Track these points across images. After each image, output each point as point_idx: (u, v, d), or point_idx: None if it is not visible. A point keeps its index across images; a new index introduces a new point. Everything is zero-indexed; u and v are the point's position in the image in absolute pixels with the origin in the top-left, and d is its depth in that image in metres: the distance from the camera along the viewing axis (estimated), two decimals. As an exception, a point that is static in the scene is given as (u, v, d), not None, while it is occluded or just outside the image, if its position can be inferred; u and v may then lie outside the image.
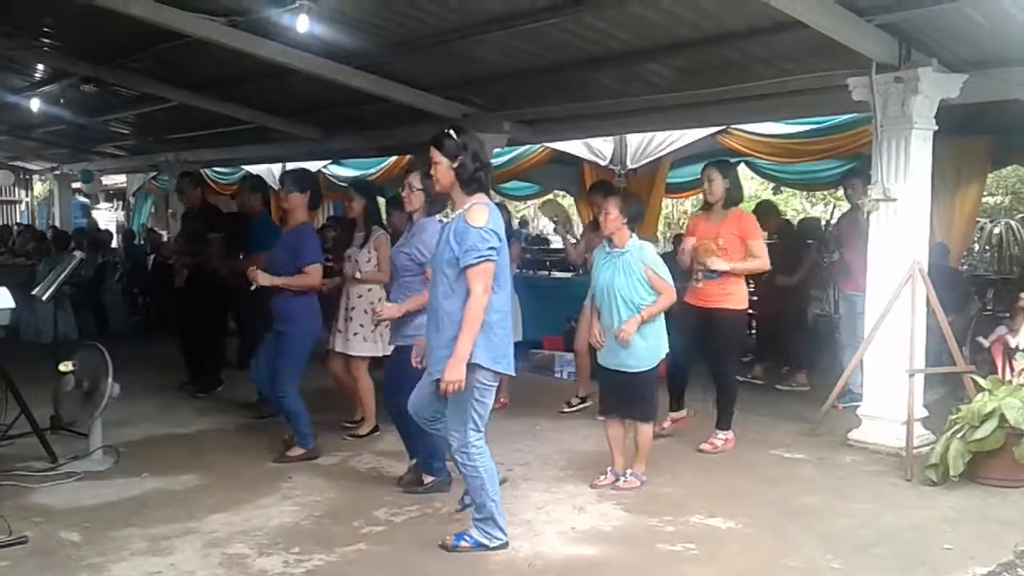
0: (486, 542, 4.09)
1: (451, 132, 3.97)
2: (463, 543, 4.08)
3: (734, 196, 5.75)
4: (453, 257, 3.86)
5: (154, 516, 4.57)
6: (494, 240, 3.87)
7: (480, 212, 3.88)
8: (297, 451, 5.56)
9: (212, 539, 4.27)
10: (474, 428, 3.99)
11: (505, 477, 4.84)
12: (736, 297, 5.66)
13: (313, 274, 5.43)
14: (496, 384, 4.05)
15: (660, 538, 4.32)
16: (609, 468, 5.10)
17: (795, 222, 10.65)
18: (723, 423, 5.85)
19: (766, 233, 6.55)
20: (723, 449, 5.76)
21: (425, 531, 4.36)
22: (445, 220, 4.05)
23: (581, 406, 6.83)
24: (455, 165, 3.91)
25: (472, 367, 3.86)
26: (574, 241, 7.14)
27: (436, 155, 3.96)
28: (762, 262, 5.66)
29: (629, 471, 5.02)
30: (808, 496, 4.95)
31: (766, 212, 8.30)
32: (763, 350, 8.34)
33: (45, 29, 8.99)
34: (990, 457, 4.97)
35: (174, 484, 5.14)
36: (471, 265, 3.81)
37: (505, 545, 4.12)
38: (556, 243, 13.54)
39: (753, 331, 8.58)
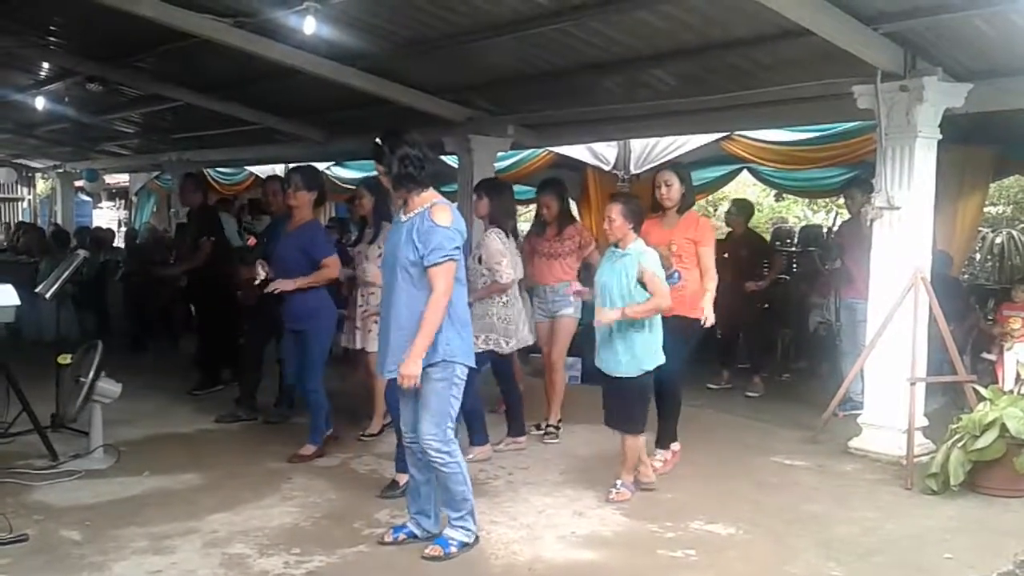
0: (468, 540, 4.11)
1: (377, 140, 4.03)
2: (452, 549, 4.06)
3: (689, 200, 5.50)
4: (417, 257, 3.89)
5: (155, 515, 4.58)
6: (459, 240, 3.96)
7: (444, 212, 3.95)
8: (310, 449, 5.60)
9: (213, 539, 4.28)
10: (450, 425, 4.03)
11: None
12: (692, 305, 5.23)
13: (333, 266, 5.55)
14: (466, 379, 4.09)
15: (660, 544, 4.32)
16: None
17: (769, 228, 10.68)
18: (663, 442, 5.51)
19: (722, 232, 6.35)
20: (663, 472, 5.32)
21: (426, 534, 4.36)
22: (403, 220, 4.03)
23: (549, 436, 6.19)
24: (385, 170, 3.99)
25: (451, 364, 3.94)
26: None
27: (377, 166, 4.07)
28: (708, 275, 5.27)
29: (619, 481, 4.97)
30: (809, 503, 4.95)
31: (739, 211, 8.41)
32: (729, 356, 8.30)
33: (51, 27, 9.02)
34: (990, 467, 4.97)
35: (175, 483, 5.14)
36: (436, 264, 3.86)
37: (478, 538, 4.17)
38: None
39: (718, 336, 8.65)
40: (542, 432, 6.28)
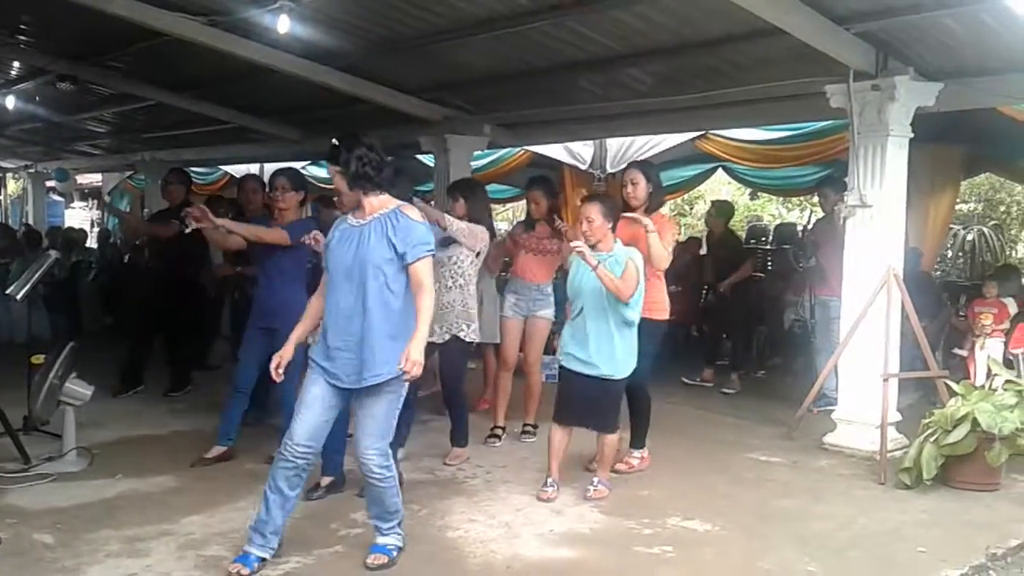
0: (401, 545, 4.09)
1: (334, 141, 3.97)
2: (395, 554, 4.04)
3: (657, 199, 5.37)
4: (394, 254, 3.81)
5: (129, 518, 4.53)
6: (433, 237, 3.98)
7: (416, 211, 3.97)
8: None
9: (188, 541, 4.24)
10: (390, 439, 3.98)
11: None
12: (656, 307, 5.22)
13: (277, 232, 5.19)
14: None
15: (637, 540, 4.34)
16: (549, 479, 4.94)
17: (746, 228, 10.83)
18: (638, 441, 5.50)
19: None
20: (639, 469, 5.43)
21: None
22: (362, 222, 3.90)
23: (526, 436, 6.15)
24: (342, 170, 3.91)
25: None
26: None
27: (330, 168, 4.00)
28: (657, 253, 5.08)
29: (597, 480, 4.97)
30: (784, 499, 4.99)
31: (719, 213, 8.56)
32: (714, 354, 8.36)
33: (21, 26, 8.90)
34: (962, 461, 5.03)
35: (149, 486, 5.09)
36: (421, 258, 3.83)
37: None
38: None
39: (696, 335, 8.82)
40: (498, 438, 6.13)
